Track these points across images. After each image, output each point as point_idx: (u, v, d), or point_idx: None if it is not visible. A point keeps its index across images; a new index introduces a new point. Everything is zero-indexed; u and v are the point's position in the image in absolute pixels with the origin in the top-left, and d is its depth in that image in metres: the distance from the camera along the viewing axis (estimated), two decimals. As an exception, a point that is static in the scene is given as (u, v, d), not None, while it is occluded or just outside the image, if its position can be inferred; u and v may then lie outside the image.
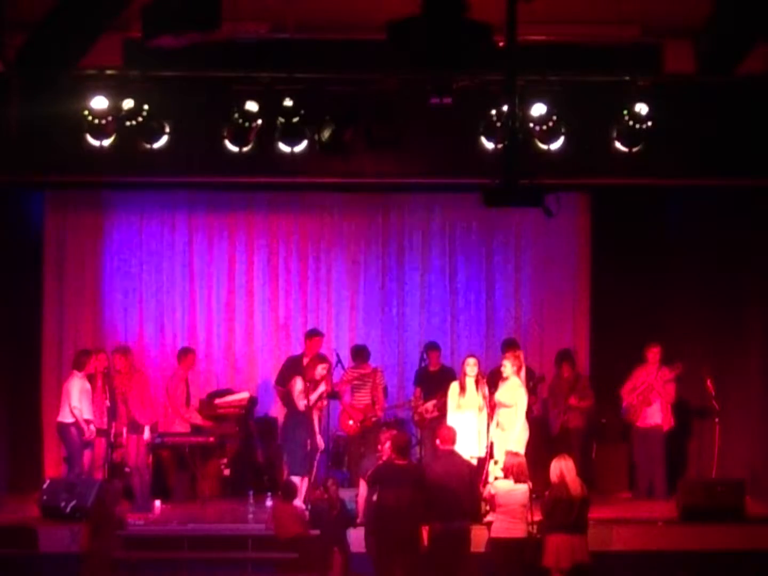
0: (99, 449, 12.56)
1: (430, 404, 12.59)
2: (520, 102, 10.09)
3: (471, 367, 11.79)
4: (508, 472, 10.18)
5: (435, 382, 12.65)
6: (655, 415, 12.74)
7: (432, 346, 13.28)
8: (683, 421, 13.12)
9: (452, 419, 11.53)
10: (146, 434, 12.23)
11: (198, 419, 12.94)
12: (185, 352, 13.17)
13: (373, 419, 12.85)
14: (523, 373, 11.75)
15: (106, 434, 12.48)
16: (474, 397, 11.70)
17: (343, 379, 13.12)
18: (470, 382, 11.75)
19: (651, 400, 12.70)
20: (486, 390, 11.67)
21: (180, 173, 12.00)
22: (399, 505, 9.74)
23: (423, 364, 13.31)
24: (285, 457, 11.86)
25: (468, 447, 11.22)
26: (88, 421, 12.20)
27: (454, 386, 11.83)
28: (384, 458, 10.43)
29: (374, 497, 10.04)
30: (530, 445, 11.52)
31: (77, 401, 12.14)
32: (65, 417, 12.19)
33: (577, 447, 12.51)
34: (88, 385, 12.31)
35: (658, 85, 11.27)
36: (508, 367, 11.66)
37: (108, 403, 12.41)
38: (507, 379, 11.62)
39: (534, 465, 11.05)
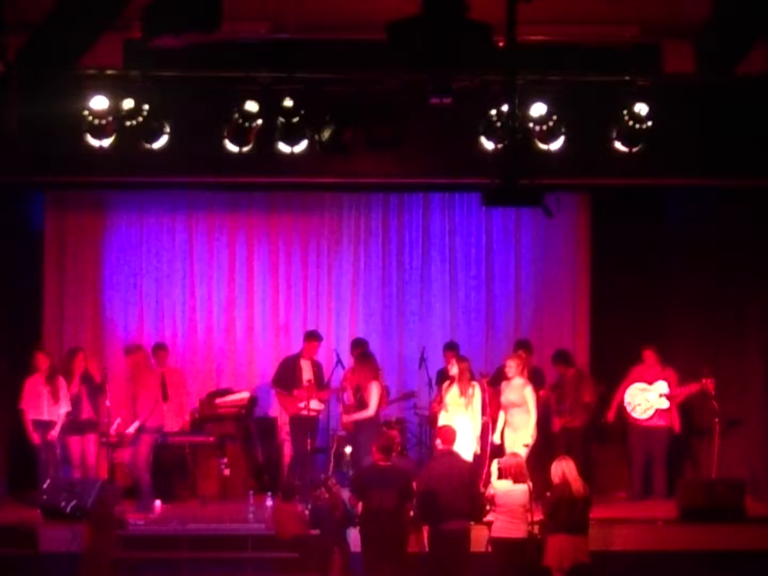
0: (91, 448, 12.53)
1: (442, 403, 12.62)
2: (520, 102, 10.08)
3: (452, 366, 11.92)
4: (507, 472, 10.17)
5: None
6: (664, 416, 12.73)
7: (447, 346, 13.30)
8: (686, 424, 13.14)
9: (442, 420, 11.57)
10: (131, 428, 12.11)
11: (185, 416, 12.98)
12: (157, 349, 13.21)
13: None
14: (525, 372, 11.79)
15: (99, 433, 12.47)
16: (458, 397, 11.74)
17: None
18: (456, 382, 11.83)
19: (671, 406, 12.72)
20: (476, 390, 11.71)
21: (180, 173, 11.99)
22: (383, 507, 9.72)
23: (424, 364, 13.35)
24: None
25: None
26: (36, 422, 12.12)
27: (444, 386, 11.90)
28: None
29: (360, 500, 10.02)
30: (533, 445, 11.60)
31: (24, 403, 12.17)
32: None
33: (578, 446, 12.52)
34: (40, 387, 12.23)
35: (658, 85, 11.25)
36: (512, 368, 11.76)
37: (108, 402, 12.38)
38: (511, 380, 11.71)
39: (535, 465, 11.10)
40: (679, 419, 12.80)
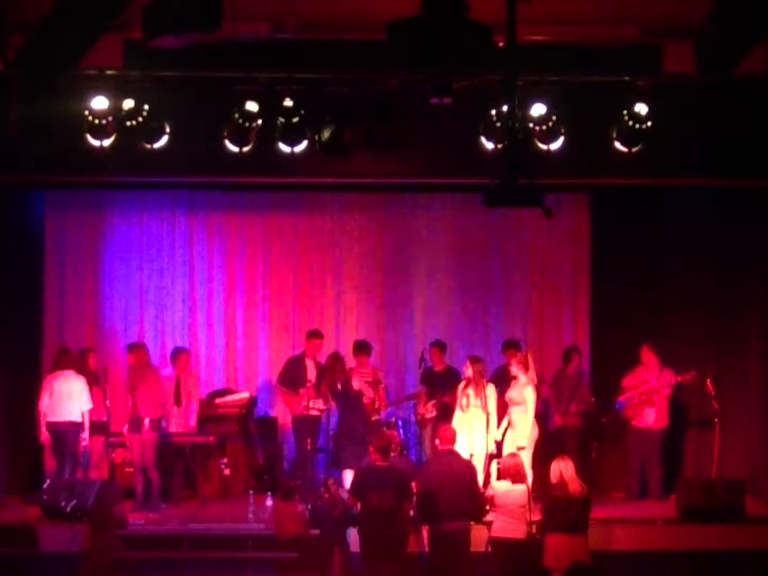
0: (96, 448, 12.52)
1: (429, 404, 12.64)
2: (520, 102, 10.09)
3: (467, 368, 11.92)
4: (505, 472, 10.18)
5: (439, 382, 12.68)
6: (653, 415, 12.72)
7: (433, 344, 13.27)
8: (680, 421, 13.13)
9: (458, 420, 11.65)
10: (145, 425, 12.11)
11: (190, 421, 12.92)
12: (177, 352, 13.13)
13: (374, 417, 12.84)
14: (531, 371, 11.80)
15: (106, 433, 12.45)
16: (474, 398, 11.76)
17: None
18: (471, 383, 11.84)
19: (654, 401, 12.68)
20: (488, 391, 11.73)
21: (180, 173, 12.01)
22: (381, 507, 9.73)
23: (423, 365, 13.35)
24: None
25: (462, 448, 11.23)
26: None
27: (460, 387, 11.91)
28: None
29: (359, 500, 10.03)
30: (535, 444, 11.63)
31: (89, 402, 12.08)
32: (77, 417, 12.04)
33: (574, 445, 12.52)
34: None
35: (658, 85, 11.27)
36: (514, 367, 11.83)
37: (108, 402, 12.37)
38: (516, 378, 11.76)
39: (537, 465, 11.11)
40: (666, 417, 12.74)
